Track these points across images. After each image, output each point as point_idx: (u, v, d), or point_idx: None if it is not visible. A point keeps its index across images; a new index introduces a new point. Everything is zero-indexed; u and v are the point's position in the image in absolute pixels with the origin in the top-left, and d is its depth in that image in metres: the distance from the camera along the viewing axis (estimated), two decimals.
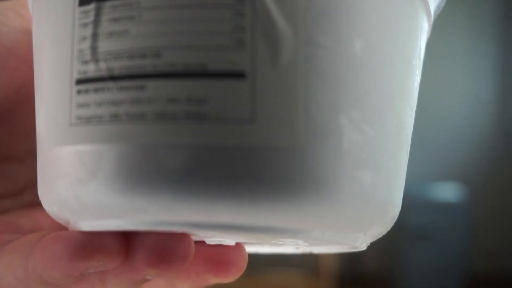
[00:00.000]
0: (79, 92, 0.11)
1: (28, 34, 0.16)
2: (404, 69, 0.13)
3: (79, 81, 0.11)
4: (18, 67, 0.17)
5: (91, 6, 0.11)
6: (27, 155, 0.19)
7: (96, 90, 0.11)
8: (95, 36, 0.11)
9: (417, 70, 0.14)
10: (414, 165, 2.36)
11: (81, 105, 0.11)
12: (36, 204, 0.18)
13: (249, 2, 0.10)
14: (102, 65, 0.11)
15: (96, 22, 0.11)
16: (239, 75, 0.10)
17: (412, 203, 1.90)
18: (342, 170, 0.11)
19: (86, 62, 0.11)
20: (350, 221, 0.12)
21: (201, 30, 0.10)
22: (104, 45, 0.11)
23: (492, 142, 2.17)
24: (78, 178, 0.11)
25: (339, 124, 0.11)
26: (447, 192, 1.94)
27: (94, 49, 0.11)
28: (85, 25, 0.11)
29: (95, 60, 0.11)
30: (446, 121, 2.17)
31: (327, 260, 1.82)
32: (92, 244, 0.12)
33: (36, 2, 0.13)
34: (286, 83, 0.10)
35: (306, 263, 2.08)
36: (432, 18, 0.14)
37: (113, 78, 0.11)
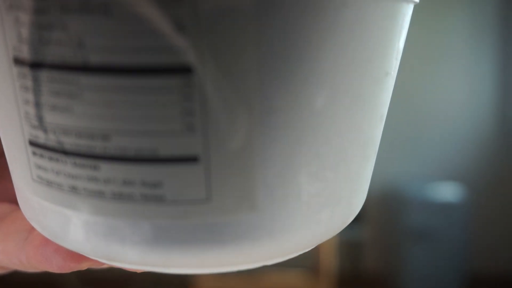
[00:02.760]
0: (34, 153, 0.11)
1: None
2: (374, 89, 0.11)
3: (32, 143, 0.11)
4: None
5: (28, 71, 0.10)
6: None
7: (51, 159, 0.10)
8: (38, 105, 0.10)
9: (390, 78, 0.12)
10: (414, 165, 2.36)
11: (39, 167, 0.11)
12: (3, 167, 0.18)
13: (197, 83, 0.09)
14: (52, 137, 0.10)
15: (36, 91, 0.10)
16: (192, 159, 0.10)
17: (412, 203, 1.90)
18: (300, 219, 0.11)
19: (35, 127, 0.10)
20: (311, 245, 0.12)
21: (148, 114, 0.09)
22: (50, 117, 0.10)
23: (492, 142, 2.17)
24: (51, 229, 0.12)
25: (298, 183, 0.11)
26: (447, 192, 1.94)
27: (40, 117, 0.10)
28: (25, 88, 0.10)
29: (44, 129, 0.10)
30: (446, 121, 2.17)
31: (327, 260, 1.82)
32: (80, 254, 0.13)
33: None
34: (242, 161, 0.10)
35: (306, 263, 2.08)
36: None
37: (65, 152, 0.10)
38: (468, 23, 2.14)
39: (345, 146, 0.11)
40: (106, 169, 0.10)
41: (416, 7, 2.21)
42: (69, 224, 0.11)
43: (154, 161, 0.10)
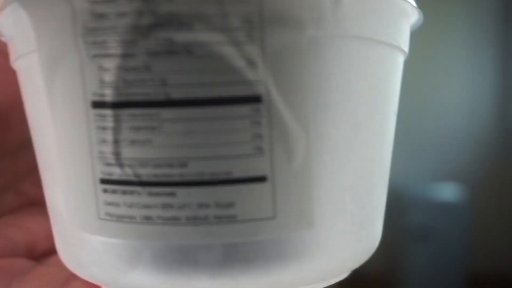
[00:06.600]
0: (105, 190, 0.11)
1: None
2: (387, 125, 0.13)
3: (104, 181, 0.11)
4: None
5: (108, 112, 0.11)
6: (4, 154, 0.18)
7: (124, 192, 0.11)
8: (116, 142, 0.11)
9: (395, 116, 0.14)
10: (414, 165, 2.36)
11: (109, 203, 0.11)
12: (19, 206, 0.18)
13: (265, 111, 0.10)
14: (128, 171, 0.11)
15: (117, 129, 0.11)
16: (261, 179, 0.11)
17: (412, 203, 1.90)
18: (347, 236, 0.12)
19: (109, 165, 0.11)
20: (352, 267, 0.13)
21: (223, 141, 0.10)
22: (128, 152, 0.11)
23: (492, 142, 2.17)
24: (115, 267, 0.12)
25: (343, 202, 0.12)
26: (447, 192, 1.94)
27: (117, 154, 0.11)
28: (103, 128, 0.11)
29: (120, 165, 0.11)
30: (446, 121, 2.17)
31: None
32: None
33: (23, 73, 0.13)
34: (301, 180, 0.11)
35: None
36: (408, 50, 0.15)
37: (141, 183, 0.11)
38: (468, 23, 2.14)
39: (373, 172, 0.13)
40: (182, 195, 0.11)
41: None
42: (138, 257, 0.11)
43: (228, 183, 0.11)
